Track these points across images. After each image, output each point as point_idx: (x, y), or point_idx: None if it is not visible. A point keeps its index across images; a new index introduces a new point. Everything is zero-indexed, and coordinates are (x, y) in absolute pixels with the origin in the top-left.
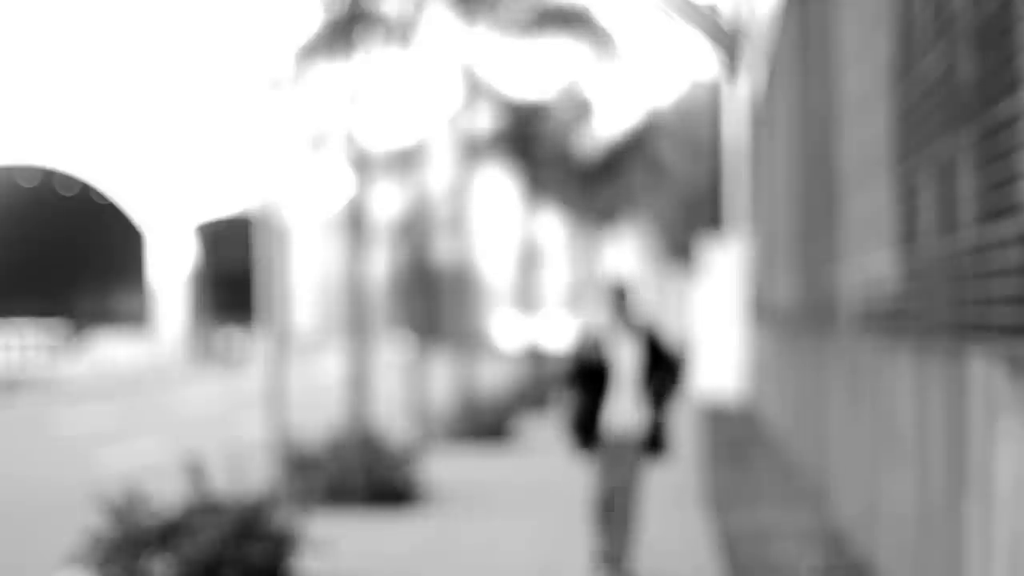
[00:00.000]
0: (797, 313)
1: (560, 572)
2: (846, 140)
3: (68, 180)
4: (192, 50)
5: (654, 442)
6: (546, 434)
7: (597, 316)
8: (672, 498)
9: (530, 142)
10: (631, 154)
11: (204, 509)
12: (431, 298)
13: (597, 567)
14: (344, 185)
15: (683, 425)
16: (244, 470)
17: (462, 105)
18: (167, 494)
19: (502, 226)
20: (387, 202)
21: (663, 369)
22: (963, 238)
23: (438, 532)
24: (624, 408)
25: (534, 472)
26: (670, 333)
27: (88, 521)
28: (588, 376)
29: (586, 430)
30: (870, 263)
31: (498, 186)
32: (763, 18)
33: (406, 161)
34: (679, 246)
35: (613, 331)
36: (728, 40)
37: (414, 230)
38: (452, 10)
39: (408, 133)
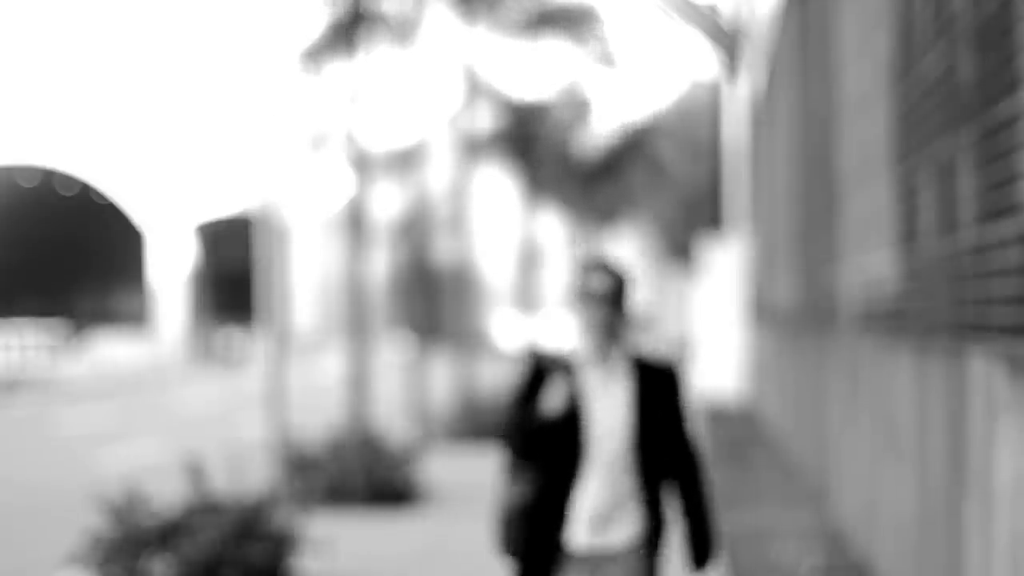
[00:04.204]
0: (797, 313)
1: None
2: (846, 140)
3: (68, 180)
4: (193, 50)
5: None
6: None
7: (565, 330)
8: None
9: (530, 142)
10: (631, 154)
11: (204, 509)
12: (431, 298)
13: None
14: (344, 185)
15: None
16: (244, 470)
17: (462, 105)
18: (167, 494)
19: (502, 226)
20: (387, 202)
21: (675, 446)
22: (963, 238)
23: (438, 532)
24: (607, 499)
25: None
26: (673, 349)
27: (88, 521)
28: (544, 440)
29: (541, 540)
30: (870, 263)
31: (498, 186)
32: (763, 18)
33: (406, 161)
34: (679, 246)
35: (592, 360)
36: (728, 40)
37: (414, 230)
38: (452, 10)
39: (408, 133)
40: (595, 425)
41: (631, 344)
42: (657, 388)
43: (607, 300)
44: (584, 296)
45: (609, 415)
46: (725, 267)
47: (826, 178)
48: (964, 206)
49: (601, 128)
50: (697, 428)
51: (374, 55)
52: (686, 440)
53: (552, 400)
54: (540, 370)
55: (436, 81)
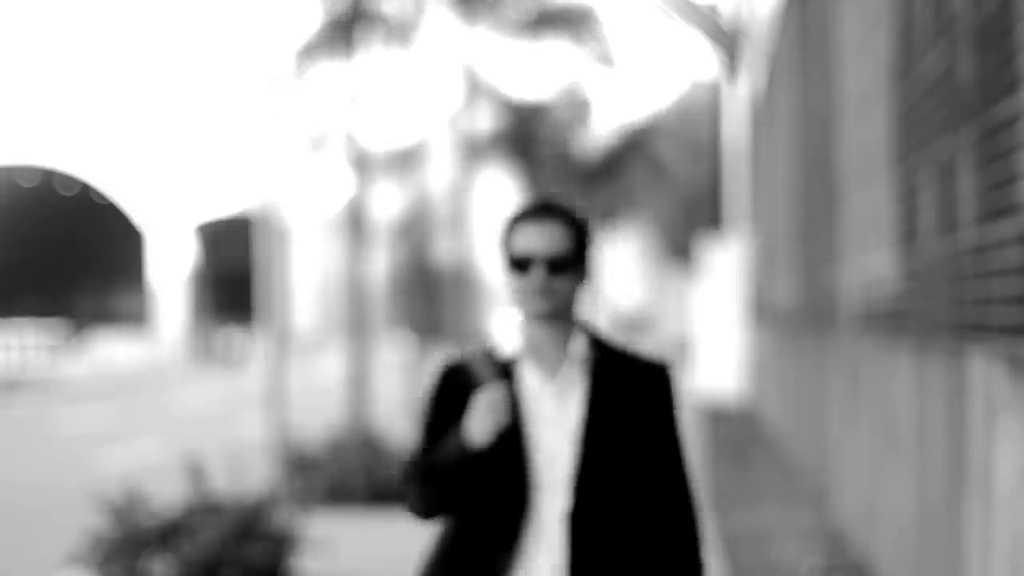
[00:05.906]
0: (797, 313)
1: None
2: (846, 140)
3: (68, 180)
4: (192, 50)
5: None
6: None
7: (500, 324)
8: None
9: (530, 142)
10: (631, 154)
11: (204, 509)
12: (431, 298)
13: None
14: (344, 185)
15: (682, 425)
16: (244, 470)
17: (462, 105)
18: (167, 494)
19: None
20: (387, 202)
21: (658, 487)
22: (963, 238)
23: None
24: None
25: None
26: (664, 343)
27: (88, 521)
28: (468, 485)
29: None
30: (870, 263)
31: (498, 186)
32: (763, 18)
33: (406, 161)
34: (679, 246)
35: (538, 360)
36: (728, 40)
37: (414, 230)
38: (452, 10)
39: (408, 133)
40: (543, 460)
41: (604, 335)
42: (630, 398)
43: (556, 263)
44: (519, 261)
45: (560, 443)
46: (725, 267)
47: (826, 178)
48: (964, 206)
49: (601, 128)
50: (691, 457)
51: (373, 55)
52: (677, 479)
53: (478, 423)
54: (458, 382)
55: (436, 81)
